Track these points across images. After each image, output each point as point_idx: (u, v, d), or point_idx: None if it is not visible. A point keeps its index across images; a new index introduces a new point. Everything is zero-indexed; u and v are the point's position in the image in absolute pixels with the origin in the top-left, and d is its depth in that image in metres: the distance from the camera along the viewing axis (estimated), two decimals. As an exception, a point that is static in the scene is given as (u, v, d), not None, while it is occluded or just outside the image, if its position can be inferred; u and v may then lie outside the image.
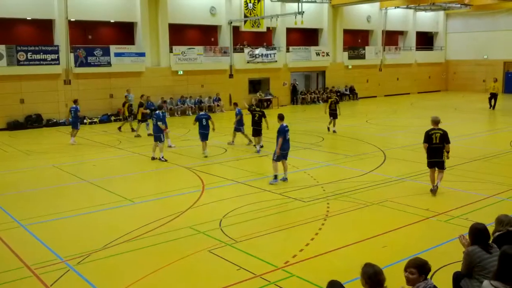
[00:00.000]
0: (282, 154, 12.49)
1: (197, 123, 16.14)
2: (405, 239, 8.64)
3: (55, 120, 25.03)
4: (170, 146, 17.83)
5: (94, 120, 25.77)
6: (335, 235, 8.86)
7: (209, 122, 16.15)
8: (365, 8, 38.38)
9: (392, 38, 41.75)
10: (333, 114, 20.47)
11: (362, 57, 38.10)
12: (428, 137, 11.19)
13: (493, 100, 28.96)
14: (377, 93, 39.31)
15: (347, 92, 36.98)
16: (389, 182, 12.48)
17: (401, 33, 42.74)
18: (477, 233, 5.61)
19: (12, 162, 16.17)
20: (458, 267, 5.93)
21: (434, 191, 11.17)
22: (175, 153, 17.07)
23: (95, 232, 9.35)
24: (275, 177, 12.51)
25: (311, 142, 17.81)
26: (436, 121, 11.33)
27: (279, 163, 12.61)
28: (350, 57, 37.38)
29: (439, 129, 11.19)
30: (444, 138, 11.09)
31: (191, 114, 28.78)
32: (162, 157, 15.56)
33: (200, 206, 10.82)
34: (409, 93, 41.14)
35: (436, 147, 11.12)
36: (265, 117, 16.67)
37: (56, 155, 17.10)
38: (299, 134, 19.09)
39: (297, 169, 14.33)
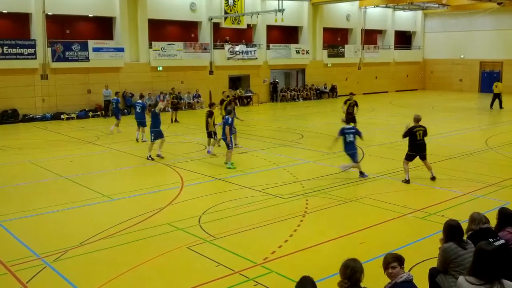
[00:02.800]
0: (349, 154, 12.67)
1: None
2: (382, 235, 8.75)
3: (31, 116, 24.61)
4: (144, 141, 17.85)
5: (72, 116, 25.42)
6: (313, 232, 8.92)
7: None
8: (344, 6, 38.62)
9: (371, 36, 42.12)
10: (352, 119, 18.17)
11: (342, 55, 38.35)
12: (412, 134, 12.10)
13: (497, 100, 29.06)
14: (356, 91, 39.32)
15: (326, 90, 37.20)
16: (367, 179, 12.61)
17: (380, 32, 43.15)
18: (451, 230, 5.71)
19: (-14, 157, 15.85)
20: (434, 263, 6.03)
21: (432, 178, 12.19)
22: (154, 149, 16.93)
23: (72, 229, 9.24)
24: (361, 173, 12.70)
25: (290, 139, 17.88)
26: (418, 119, 12.26)
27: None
28: (329, 55, 37.60)
29: (421, 126, 12.18)
30: (425, 133, 12.23)
31: (170, 110, 28.55)
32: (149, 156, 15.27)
33: (179, 203, 10.77)
34: (387, 92, 41.59)
35: (420, 143, 12.13)
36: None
37: (32, 151, 16.83)
38: (279, 132, 19.17)
39: (276, 166, 14.37)
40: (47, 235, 8.93)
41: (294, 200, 10.77)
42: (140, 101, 18.67)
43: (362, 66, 39.98)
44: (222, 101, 18.05)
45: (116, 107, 20.99)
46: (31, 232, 9.10)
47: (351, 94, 19.52)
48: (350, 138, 12.54)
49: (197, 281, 6.94)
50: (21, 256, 7.83)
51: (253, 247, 8.17)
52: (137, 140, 18.34)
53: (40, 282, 6.97)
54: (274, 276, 7.11)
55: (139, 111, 18.02)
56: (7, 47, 23.68)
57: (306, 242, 8.35)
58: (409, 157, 12.25)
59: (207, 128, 15.93)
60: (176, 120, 23.85)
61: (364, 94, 39.77)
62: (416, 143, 12.10)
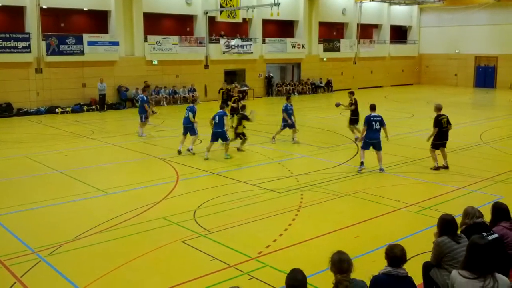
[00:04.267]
0: (366, 143, 12.55)
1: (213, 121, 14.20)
2: (377, 229, 8.78)
3: (26, 109, 24.50)
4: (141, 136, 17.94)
5: (66, 110, 25.31)
6: (308, 226, 8.94)
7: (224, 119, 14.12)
8: (340, 0, 38.60)
9: (366, 31, 42.12)
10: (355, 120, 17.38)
11: (337, 49, 38.34)
12: (438, 122, 12.72)
13: None
14: (352, 86, 39.53)
15: (322, 85, 37.20)
16: (362, 173, 12.63)
17: (376, 26, 43.16)
18: (445, 224, 5.73)
19: (-20, 151, 15.78)
20: (428, 257, 6.06)
21: (445, 167, 12.73)
22: (149, 144, 16.93)
23: (66, 223, 9.22)
24: (361, 163, 12.69)
25: (286, 134, 17.82)
26: (439, 108, 12.91)
27: (366, 151, 12.72)
28: (325, 50, 37.58)
29: (444, 114, 12.83)
30: (449, 121, 12.86)
31: (165, 104, 28.54)
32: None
33: (174, 197, 10.77)
34: (382, 86, 41.65)
35: (445, 130, 12.83)
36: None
37: (27, 145, 16.76)
38: (274, 126, 19.09)
39: (271, 160, 14.38)
40: (42, 229, 8.91)
41: (289, 194, 10.79)
42: (142, 95, 18.79)
43: (357, 61, 39.98)
44: (231, 97, 19.15)
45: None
46: (26, 226, 9.07)
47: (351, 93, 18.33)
48: (376, 126, 12.45)
49: (192, 275, 6.95)
50: (16, 250, 7.81)
51: (247, 241, 8.18)
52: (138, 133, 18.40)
53: (35, 276, 6.96)
54: (268, 270, 7.13)
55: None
56: (1, 40, 23.52)
57: (300, 236, 8.37)
58: (435, 146, 12.83)
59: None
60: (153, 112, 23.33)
61: (359, 88, 39.73)
62: (441, 130, 12.69)
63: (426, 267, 5.93)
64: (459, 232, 5.86)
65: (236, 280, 6.81)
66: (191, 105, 15.54)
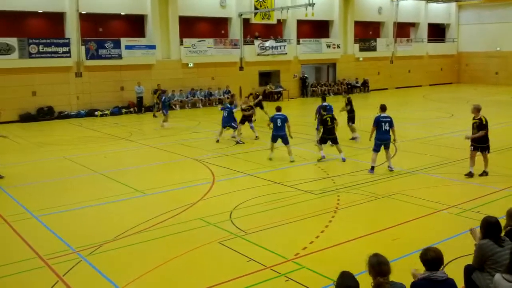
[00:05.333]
0: (377, 144, 12.51)
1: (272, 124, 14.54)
2: (416, 232, 8.60)
3: (66, 113, 25.21)
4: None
5: (105, 113, 25.91)
6: (345, 228, 8.85)
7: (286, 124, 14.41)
8: (376, -1, 38.13)
9: (403, 30, 41.41)
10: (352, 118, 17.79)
11: (373, 49, 37.85)
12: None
13: None
14: (388, 86, 39.08)
15: (358, 85, 36.79)
16: (399, 174, 12.42)
17: (413, 25, 42.38)
18: (489, 227, 5.57)
19: (24, 154, 16.32)
20: (470, 260, 5.89)
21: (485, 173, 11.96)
22: (186, 145, 17.13)
23: (106, 223, 9.43)
24: (372, 168, 12.62)
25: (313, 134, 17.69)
26: (477, 109, 12.04)
27: (377, 154, 12.61)
28: (361, 49, 37.16)
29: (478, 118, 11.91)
30: (480, 126, 11.89)
31: (201, 106, 28.83)
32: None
33: (211, 198, 10.85)
34: (420, 86, 40.85)
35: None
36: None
37: (67, 147, 17.24)
38: (309, 127, 19.01)
39: (307, 161, 14.30)
40: (83, 229, 9.13)
41: (325, 196, 10.70)
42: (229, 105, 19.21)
43: (394, 60, 39.35)
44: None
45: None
46: (67, 226, 9.32)
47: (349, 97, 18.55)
48: (386, 126, 12.41)
49: (228, 275, 6.97)
50: (58, 250, 8.03)
51: (284, 243, 8.16)
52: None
53: (76, 275, 7.13)
54: (305, 271, 7.08)
55: (226, 114, 17.51)
56: (42, 46, 24.29)
57: (337, 238, 8.29)
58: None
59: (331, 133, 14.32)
60: (154, 115, 25.01)
61: (396, 88, 39.20)
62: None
63: (468, 270, 5.77)
64: (502, 234, 5.68)
65: (273, 282, 6.81)
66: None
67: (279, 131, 14.15)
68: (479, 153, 11.90)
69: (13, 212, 10.09)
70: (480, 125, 11.69)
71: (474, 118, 11.89)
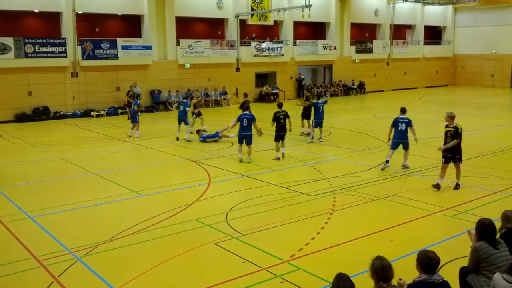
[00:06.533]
0: (394, 143, 13.05)
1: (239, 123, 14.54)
2: (412, 233, 8.63)
3: (62, 113, 25.12)
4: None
5: (101, 113, 25.85)
6: (341, 229, 8.86)
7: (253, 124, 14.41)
8: (373, 1, 38.18)
9: (400, 32, 41.51)
10: (307, 115, 18.72)
11: (370, 51, 37.93)
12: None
13: None
14: (385, 87, 39.16)
15: (354, 86, 36.86)
16: (396, 176, 12.45)
17: (409, 27, 42.50)
18: (484, 229, 5.59)
19: (20, 154, 16.26)
20: (465, 262, 5.91)
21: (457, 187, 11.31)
22: (182, 146, 17.11)
23: (102, 224, 9.40)
24: (386, 161, 13.00)
25: (317, 136, 17.73)
26: (450, 117, 11.42)
27: (394, 151, 13.12)
28: (357, 51, 37.23)
29: (453, 127, 11.15)
30: (455, 134, 11.08)
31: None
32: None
33: (207, 199, 10.84)
34: (416, 88, 40.96)
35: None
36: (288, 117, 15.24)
37: (63, 147, 17.18)
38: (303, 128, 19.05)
39: (303, 163, 14.32)
40: (78, 230, 9.10)
41: (321, 197, 10.71)
42: (184, 100, 19.83)
43: (390, 62, 39.45)
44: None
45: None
46: (63, 227, 9.28)
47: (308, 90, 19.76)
48: (402, 126, 12.94)
49: (224, 277, 6.97)
50: (53, 250, 8.00)
51: (280, 244, 8.16)
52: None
53: (71, 276, 7.11)
54: (301, 273, 7.09)
55: (182, 109, 18.46)
56: (38, 45, 24.20)
57: (333, 239, 8.30)
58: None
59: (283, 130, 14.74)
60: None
61: (393, 90, 39.28)
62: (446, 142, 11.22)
63: (463, 272, 5.79)
64: (497, 236, 5.70)
65: (269, 283, 6.81)
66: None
67: (246, 131, 14.14)
68: (451, 164, 11.15)
69: (8, 212, 10.05)
70: (455, 134, 10.93)
71: (447, 126, 11.16)
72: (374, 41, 38.66)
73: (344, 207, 10.06)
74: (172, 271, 7.29)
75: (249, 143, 14.25)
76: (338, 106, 29.56)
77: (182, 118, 18.23)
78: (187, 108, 18.48)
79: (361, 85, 37.12)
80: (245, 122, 14.17)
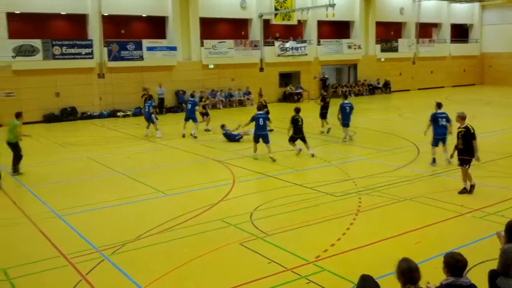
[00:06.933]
0: (435, 139, 13.20)
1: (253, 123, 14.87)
2: (439, 235, 8.50)
3: (89, 113, 25.53)
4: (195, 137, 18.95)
5: (127, 113, 26.18)
6: (367, 230, 8.77)
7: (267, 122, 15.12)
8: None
9: (425, 30, 40.92)
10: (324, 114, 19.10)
11: (395, 49, 37.51)
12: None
13: None
14: (411, 87, 38.66)
15: (379, 86, 36.49)
16: (422, 177, 12.27)
17: (435, 25, 41.86)
18: (513, 230, 5.47)
19: (48, 153, 16.59)
20: (494, 265, 5.79)
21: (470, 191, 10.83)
22: (206, 146, 17.20)
23: (128, 223, 9.52)
24: (433, 160, 13.24)
25: (343, 135, 17.63)
26: (463, 117, 10.99)
27: (437, 148, 13.29)
28: (382, 50, 36.86)
29: (464, 127, 10.82)
30: (466, 135, 10.74)
31: (221, 107, 28.92)
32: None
33: (231, 199, 10.88)
34: (443, 87, 40.31)
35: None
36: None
37: (90, 147, 17.46)
38: (333, 128, 18.93)
39: (328, 163, 14.24)
40: (105, 229, 9.24)
41: (347, 198, 10.63)
42: (192, 98, 19.72)
43: (416, 61, 38.93)
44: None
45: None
46: (90, 225, 9.44)
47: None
48: (442, 122, 13.03)
49: (249, 277, 6.98)
50: (81, 249, 8.14)
51: (305, 245, 8.13)
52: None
53: (99, 274, 7.22)
54: (326, 274, 7.05)
55: (190, 107, 19.09)
56: (66, 47, 24.66)
57: (359, 240, 8.23)
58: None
59: (300, 132, 15.03)
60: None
61: (419, 89, 38.74)
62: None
63: (492, 275, 5.66)
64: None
65: (294, 284, 6.80)
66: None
67: (262, 130, 14.49)
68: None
69: (38, 211, 10.27)
70: (467, 135, 10.56)
71: (459, 127, 10.82)
72: (399, 39, 38.21)
73: (370, 208, 9.97)
74: (197, 270, 7.34)
75: (266, 141, 14.54)
76: (363, 105, 29.30)
77: (191, 116, 18.91)
78: (196, 107, 19.18)
79: (387, 84, 36.72)
80: (261, 122, 14.51)
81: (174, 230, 8.92)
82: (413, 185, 11.67)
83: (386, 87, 36.66)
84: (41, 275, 7.28)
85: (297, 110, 15.20)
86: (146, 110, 19.27)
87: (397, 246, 8.03)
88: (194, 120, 18.98)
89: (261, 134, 14.55)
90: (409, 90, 38.38)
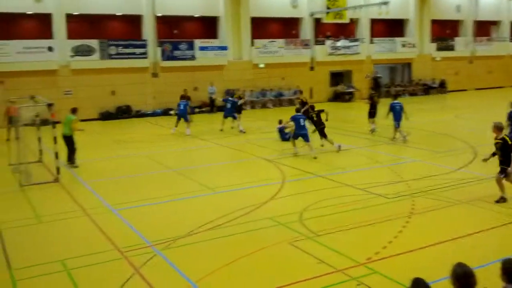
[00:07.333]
0: None
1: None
2: (496, 240, 8.16)
3: (143, 111, 26.19)
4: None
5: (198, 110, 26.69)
6: (420, 234, 8.52)
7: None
8: (455, -3, 36.59)
9: (484, 28, 39.35)
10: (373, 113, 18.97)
11: (451, 48, 36.35)
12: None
13: None
14: (467, 86, 37.33)
15: (435, 85, 35.45)
16: (479, 180, 11.78)
17: (494, 23, 40.21)
18: None
19: (104, 150, 17.15)
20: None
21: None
22: (256, 145, 17.25)
23: (179, 219, 9.68)
24: None
25: (396, 136, 17.23)
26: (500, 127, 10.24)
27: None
28: (438, 49, 35.80)
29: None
30: (503, 147, 10.04)
31: (271, 106, 28.94)
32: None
33: (281, 198, 10.85)
34: (503, 87, 38.63)
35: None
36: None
37: (144, 144, 17.90)
38: (382, 128, 18.54)
39: (380, 164, 13.96)
40: (158, 224, 9.44)
41: (400, 200, 10.37)
42: (231, 98, 20.80)
43: (474, 60, 37.53)
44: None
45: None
46: (143, 220, 9.66)
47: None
48: None
49: (298, 276, 6.93)
50: (134, 243, 8.35)
51: (356, 247, 8.00)
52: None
53: (151, 268, 7.37)
54: (377, 277, 6.90)
55: (229, 106, 19.98)
56: (121, 47, 25.43)
57: (412, 244, 8.00)
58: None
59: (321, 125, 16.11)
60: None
61: (476, 89, 37.35)
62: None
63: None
64: None
65: (344, 285, 6.70)
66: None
67: (303, 130, 14.92)
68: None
69: (93, 205, 10.62)
70: (504, 146, 9.90)
71: (496, 138, 10.12)
72: (456, 38, 37.01)
73: (424, 211, 9.68)
74: (247, 268, 7.36)
75: (307, 140, 14.83)
76: (418, 105, 28.55)
77: (230, 114, 20.04)
78: (238, 102, 20.37)
79: (442, 84, 35.62)
80: (302, 122, 14.85)
81: (224, 227, 8.99)
82: (469, 188, 11.24)
83: (441, 87, 35.56)
84: (96, 267, 7.52)
85: (312, 107, 16.32)
86: (182, 108, 19.95)
87: (451, 250, 7.75)
88: (235, 117, 19.99)
89: (302, 134, 14.86)
90: (465, 90, 37.05)
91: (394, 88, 33.98)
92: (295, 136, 15.11)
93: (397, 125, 16.78)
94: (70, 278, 7.12)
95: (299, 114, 15.25)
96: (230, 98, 20.57)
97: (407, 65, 35.53)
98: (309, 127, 15.91)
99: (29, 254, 8.08)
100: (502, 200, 10.02)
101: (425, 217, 9.39)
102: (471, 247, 7.86)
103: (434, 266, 7.06)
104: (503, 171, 10.04)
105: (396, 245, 7.97)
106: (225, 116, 20.11)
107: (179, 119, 19.94)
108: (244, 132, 19.34)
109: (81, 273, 7.31)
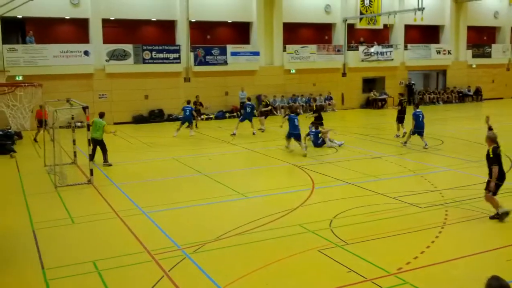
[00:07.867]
0: None
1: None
2: (535, 254, 7.87)
3: (175, 115, 26.47)
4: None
5: (210, 116, 26.84)
6: (453, 244, 8.33)
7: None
8: (492, 3, 35.69)
9: (522, 35, 38.30)
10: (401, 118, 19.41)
11: (488, 55, 35.50)
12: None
13: None
14: (504, 95, 36.39)
15: (470, 93, 34.67)
16: (516, 191, 11.43)
17: (534, 29, 39.06)
18: None
19: (136, 153, 17.40)
20: None
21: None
22: (285, 151, 17.19)
23: (209, 223, 9.73)
24: None
25: (429, 145, 16.91)
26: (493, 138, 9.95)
27: None
28: (474, 56, 35.01)
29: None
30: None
31: (302, 112, 28.81)
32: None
33: (310, 205, 10.77)
34: (541, 95, 37.48)
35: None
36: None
37: (175, 148, 18.09)
38: (415, 136, 18.21)
39: (413, 173, 13.71)
40: (187, 227, 9.50)
41: (432, 210, 10.15)
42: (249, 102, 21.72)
43: (511, 67, 36.54)
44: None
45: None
46: (173, 223, 9.75)
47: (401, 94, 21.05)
48: None
49: (327, 285, 6.87)
50: (164, 246, 8.42)
51: (386, 256, 7.86)
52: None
53: (180, 271, 7.42)
54: (408, 287, 6.76)
55: (249, 111, 20.81)
56: (155, 52, 25.81)
57: (444, 255, 7.81)
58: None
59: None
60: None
61: (513, 97, 36.38)
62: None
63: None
64: None
65: (374, 295, 6.58)
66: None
67: (296, 130, 16.13)
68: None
69: (125, 207, 10.77)
70: (487, 157, 9.75)
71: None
72: (493, 45, 36.12)
73: (457, 221, 9.45)
74: (275, 275, 7.32)
75: (298, 139, 16.20)
76: (452, 113, 28.01)
77: (249, 118, 20.72)
78: (254, 111, 21.49)
79: (478, 92, 34.81)
80: (296, 122, 16.14)
81: (252, 232, 8.98)
82: (505, 199, 10.88)
83: (477, 95, 34.76)
84: (126, 268, 7.62)
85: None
86: (187, 114, 20.70)
87: (485, 262, 7.54)
88: (250, 120, 20.79)
89: (295, 134, 16.18)
90: (502, 98, 36.12)
91: (428, 95, 33.41)
92: (288, 136, 16.46)
93: (421, 134, 16.89)
94: (101, 279, 7.23)
95: (293, 114, 16.55)
96: (248, 103, 21.32)
97: (442, 72, 34.88)
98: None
99: (62, 254, 8.24)
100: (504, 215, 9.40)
101: (458, 227, 9.16)
102: (506, 260, 7.62)
103: (467, 278, 6.89)
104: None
105: (428, 256, 7.80)
106: (243, 120, 20.82)
107: (183, 123, 20.68)
108: (262, 131, 20.69)
109: (112, 274, 7.42)
